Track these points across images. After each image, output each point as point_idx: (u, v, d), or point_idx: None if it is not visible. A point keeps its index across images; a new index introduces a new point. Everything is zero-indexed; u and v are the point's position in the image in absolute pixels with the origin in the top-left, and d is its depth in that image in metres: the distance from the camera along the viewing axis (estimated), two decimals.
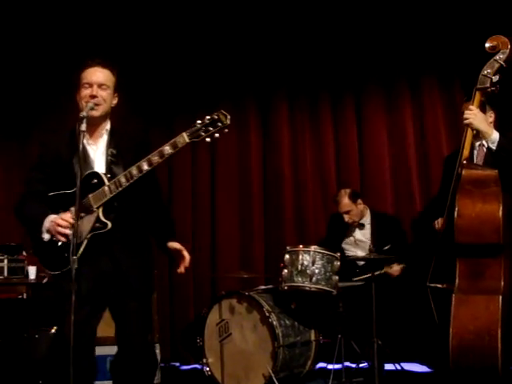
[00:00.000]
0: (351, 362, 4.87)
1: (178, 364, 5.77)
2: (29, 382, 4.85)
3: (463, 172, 3.51)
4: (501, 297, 3.31)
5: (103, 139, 3.25)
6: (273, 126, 6.11)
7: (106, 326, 4.97)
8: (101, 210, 3.08)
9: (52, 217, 3.06)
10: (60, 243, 3.07)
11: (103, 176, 3.11)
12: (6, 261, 5.24)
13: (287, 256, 4.54)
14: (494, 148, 3.71)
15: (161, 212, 3.45)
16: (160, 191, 3.51)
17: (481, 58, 3.88)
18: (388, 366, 4.79)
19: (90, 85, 3.16)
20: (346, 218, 5.21)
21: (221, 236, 5.98)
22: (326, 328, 4.83)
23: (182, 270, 3.34)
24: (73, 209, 3.04)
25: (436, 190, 5.59)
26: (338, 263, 4.54)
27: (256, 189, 6.00)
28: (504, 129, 3.92)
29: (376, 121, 5.97)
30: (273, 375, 4.28)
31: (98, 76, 3.19)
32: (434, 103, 5.89)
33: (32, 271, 5.33)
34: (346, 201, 5.18)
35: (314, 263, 4.46)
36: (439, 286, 3.57)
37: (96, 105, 3.14)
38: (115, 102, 3.29)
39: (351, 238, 5.35)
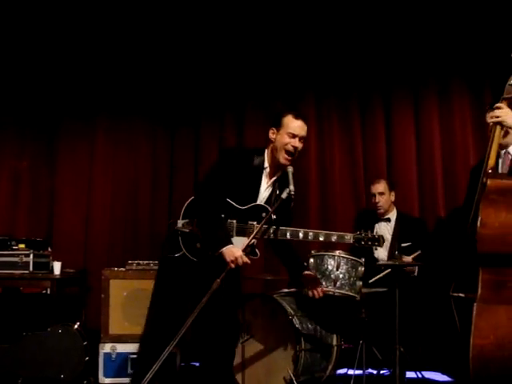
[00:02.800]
0: (372, 369, 4.85)
1: (198, 364, 5.76)
2: (50, 376, 4.91)
3: (488, 181, 3.44)
4: None
5: (273, 181, 3.74)
6: None
7: (128, 324, 5.05)
8: (254, 242, 3.54)
9: (231, 247, 3.48)
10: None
11: (272, 218, 3.59)
12: (31, 256, 5.29)
13: (312, 260, 4.50)
14: None
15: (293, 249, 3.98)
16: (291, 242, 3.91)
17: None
18: (409, 374, 4.76)
19: (295, 136, 3.63)
20: (377, 198, 5.35)
21: None
22: (348, 333, 4.81)
23: (316, 295, 3.97)
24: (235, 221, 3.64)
25: (461, 195, 5.59)
26: (363, 268, 4.50)
27: None
28: None
29: (404, 125, 5.97)
30: (293, 378, 4.27)
31: (304, 131, 3.68)
32: (463, 107, 5.88)
33: (57, 267, 5.38)
34: (382, 184, 5.39)
35: (338, 268, 4.43)
36: (462, 295, 3.52)
37: (293, 155, 3.64)
38: None
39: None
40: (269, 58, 6.17)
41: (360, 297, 4.48)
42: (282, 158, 3.63)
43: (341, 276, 4.44)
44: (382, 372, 4.78)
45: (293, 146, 3.62)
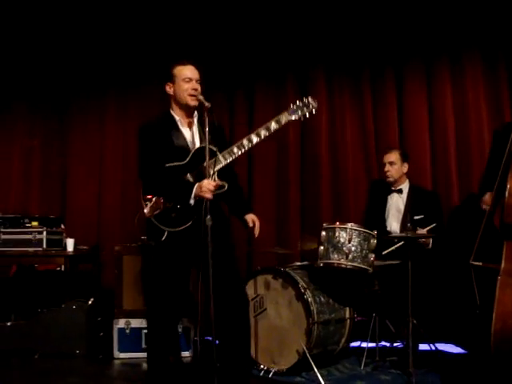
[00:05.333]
0: (385, 341, 4.86)
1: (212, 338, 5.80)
2: (65, 351, 4.97)
3: None
4: None
5: (195, 123, 3.87)
6: None
7: (142, 299, 5.08)
8: (216, 175, 3.67)
9: (198, 185, 3.60)
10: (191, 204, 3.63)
11: (214, 148, 3.69)
12: (44, 233, 5.34)
13: (323, 233, 4.52)
14: None
15: (239, 190, 4.11)
16: (235, 173, 4.10)
17: None
18: (422, 346, 4.77)
19: (191, 80, 3.80)
20: (387, 167, 5.25)
21: (257, 211, 5.87)
22: (361, 306, 4.82)
23: (256, 234, 4.06)
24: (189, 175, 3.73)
25: (474, 168, 5.55)
26: (375, 241, 4.50)
27: (293, 165, 5.97)
28: None
29: (417, 98, 5.90)
30: (307, 352, 4.28)
31: (196, 73, 3.84)
32: (476, 78, 5.79)
33: (70, 243, 5.42)
34: (395, 154, 5.29)
35: (350, 241, 4.44)
36: (483, 264, 3.44)
37: (195, 96, 3.76)
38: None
39: (388, 207, 5.31)
40: (279, 32, 6.08)
41: (373, 269, 4.49)
42: (190, 100, 3.77)
43: (353, 249, 4.45)
44: (395, 344, 4.80)
45: (193, 89, 3.77)
